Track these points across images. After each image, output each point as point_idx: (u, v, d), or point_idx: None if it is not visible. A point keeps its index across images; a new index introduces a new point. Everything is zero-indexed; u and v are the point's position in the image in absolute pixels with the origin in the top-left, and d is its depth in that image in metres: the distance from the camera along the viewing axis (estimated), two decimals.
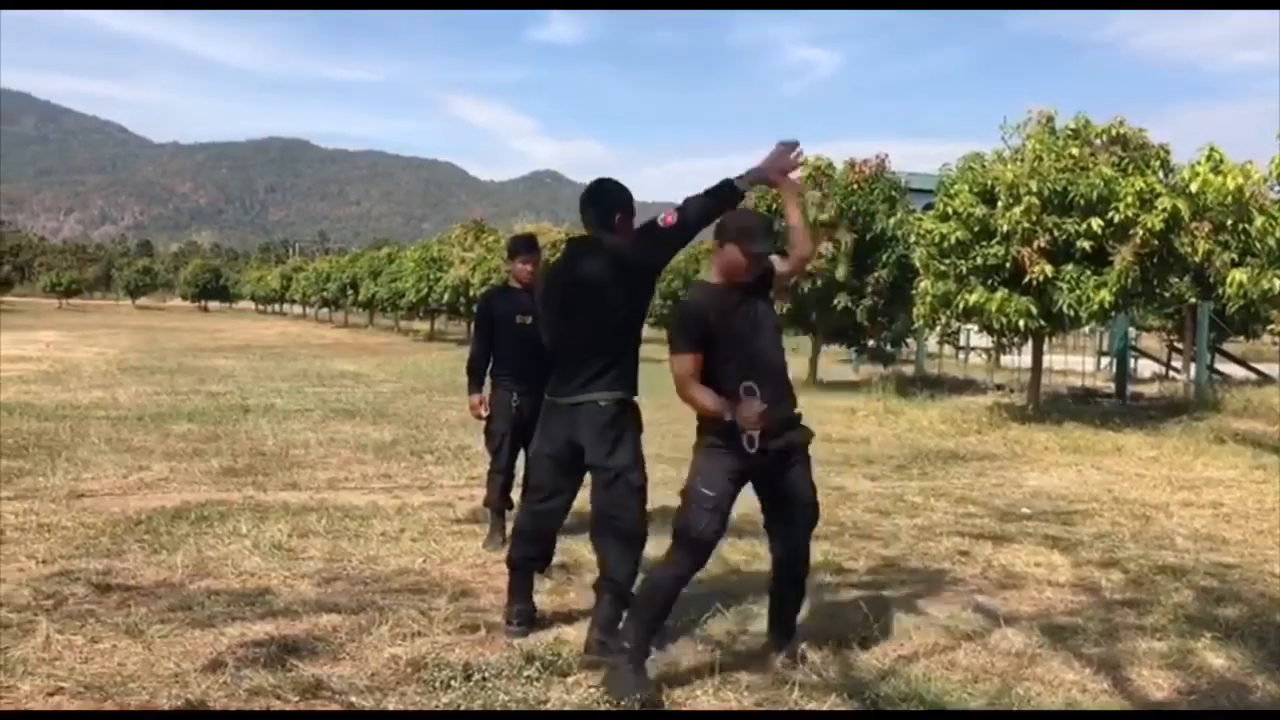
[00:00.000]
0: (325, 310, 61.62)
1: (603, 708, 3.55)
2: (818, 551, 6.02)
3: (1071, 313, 12.13)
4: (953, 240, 12.51)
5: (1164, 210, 11.66)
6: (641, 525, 4.10)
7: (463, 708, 3.50)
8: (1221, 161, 11.99)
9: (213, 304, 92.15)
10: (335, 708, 3.54)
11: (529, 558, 4.43)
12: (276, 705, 3.55)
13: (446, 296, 33.95)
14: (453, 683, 3.68)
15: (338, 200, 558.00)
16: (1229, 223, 14.49)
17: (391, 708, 3.52)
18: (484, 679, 3.73)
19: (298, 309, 74.63)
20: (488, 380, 6.09)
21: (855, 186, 16.85)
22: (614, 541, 4.08)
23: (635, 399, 4.16)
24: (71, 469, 8.08)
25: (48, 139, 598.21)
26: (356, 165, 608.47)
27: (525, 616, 4.38)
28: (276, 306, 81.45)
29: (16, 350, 23.12)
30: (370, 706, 3.52)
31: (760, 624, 4.53)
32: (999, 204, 12.34)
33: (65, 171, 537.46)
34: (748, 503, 7.43)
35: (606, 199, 4.16)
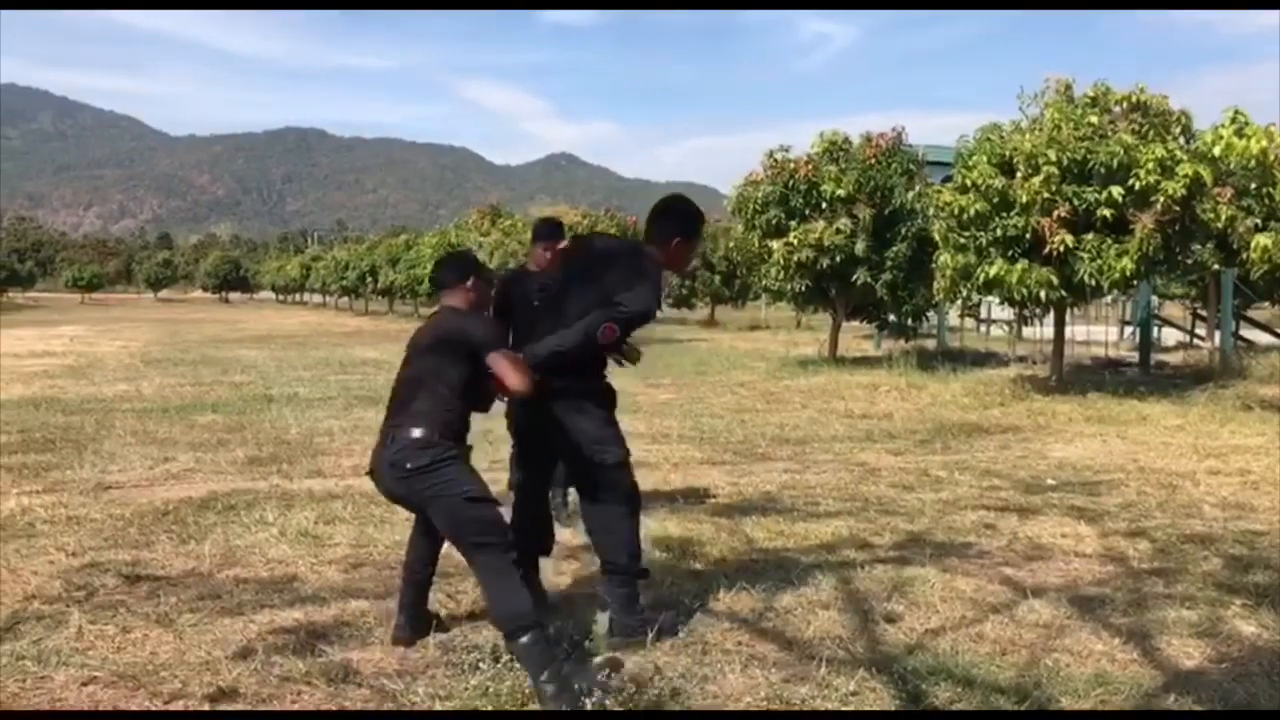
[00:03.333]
0: (345, 299, 61.81)
1: (628, 688, 3.55)
2: (843, 527, 6.03)
3: (1093, 282, 12.02)
4: (972, 212, 12.40)
5: (1185, 176, 11.51)
6: (622, 500, 4.17)
7: (491, 689, 3.52)
8: (1245, 124, 11.83)
9: (233, 295, 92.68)
10: (365, 692, 3.57)
11: (527, 545, 4.47)
12: (306, 691, 3.59)
13: None
14: (481, 664, 3.70)
15: (354, 189, 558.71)
16: (1252, 187, 14.35)
17: (421, 691, 3.54)
18: (512, 660, 3.74)
19: (318, 298, 74.88)
20: None
21: (872, 160, 16.71)
22: (599, 524, 4.19)
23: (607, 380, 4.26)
24: (98, 461, 8.15)
25: (65, 135, 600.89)
26: (372, 153, 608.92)
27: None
28: (297, 296, 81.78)
29: (41, 345, 23.33)
30: (400, 690, 3.55)
31: (785, 600, 4.54)
32: (1018, 174, 12.22)
33: (83, 167, 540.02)
34: (771, 480, 7.36)
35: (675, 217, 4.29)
